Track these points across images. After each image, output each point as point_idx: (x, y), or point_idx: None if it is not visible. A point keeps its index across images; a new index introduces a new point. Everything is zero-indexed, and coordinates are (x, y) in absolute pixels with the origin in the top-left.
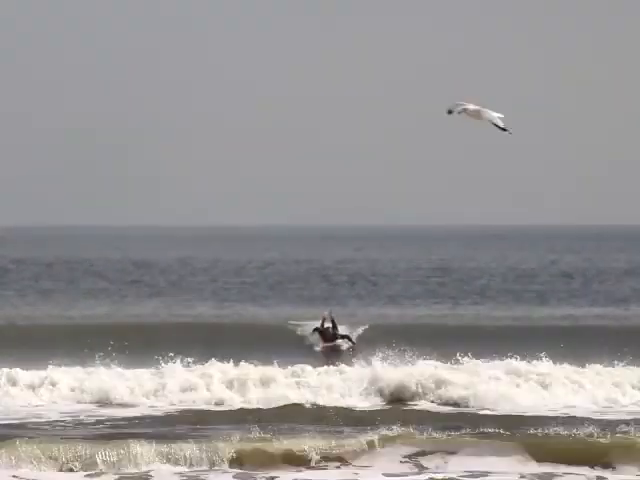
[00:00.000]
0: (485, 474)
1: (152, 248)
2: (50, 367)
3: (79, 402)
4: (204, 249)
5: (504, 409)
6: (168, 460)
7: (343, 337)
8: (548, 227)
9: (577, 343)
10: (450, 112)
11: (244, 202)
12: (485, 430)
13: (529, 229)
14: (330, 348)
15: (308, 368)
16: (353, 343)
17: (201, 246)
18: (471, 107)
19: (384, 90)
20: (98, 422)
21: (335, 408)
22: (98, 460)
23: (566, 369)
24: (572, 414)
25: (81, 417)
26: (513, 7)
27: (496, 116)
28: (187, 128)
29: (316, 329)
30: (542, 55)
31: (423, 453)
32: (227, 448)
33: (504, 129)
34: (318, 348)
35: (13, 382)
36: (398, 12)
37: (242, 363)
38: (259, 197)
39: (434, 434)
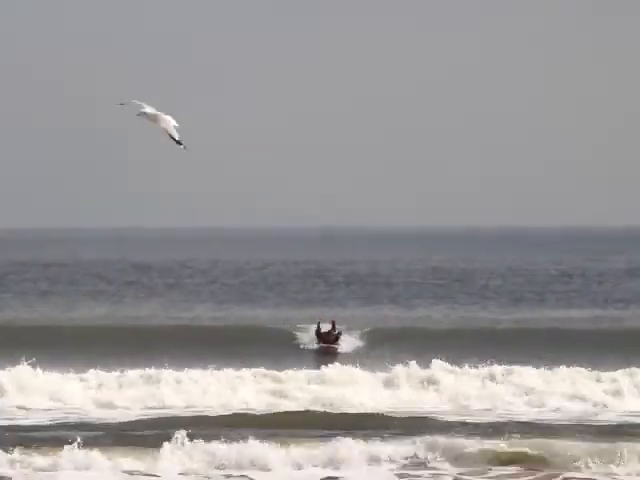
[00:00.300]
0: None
1: (152, 249)
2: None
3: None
4: (203, 250)
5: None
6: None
7: (340, 334)
8: (548, 228)
9: (570, 346)
10: (122, 104)
11: (244, 203)
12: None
13: (529, 230)
14: (329, 349)
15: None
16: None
17: (201, 247)
18: (150, 111)
19: (385, 90)
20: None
21: (331, 413)
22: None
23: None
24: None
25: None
26: (512, 7)
27: (173, 125)
28: (187, 128)
29: (318, 335)
30: (542, 55)
31: (416, 455)
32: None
33: (179, 142)
34: (316, 346)
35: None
36: (399, 13)
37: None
38: (259, 197)
39: (433, 439)
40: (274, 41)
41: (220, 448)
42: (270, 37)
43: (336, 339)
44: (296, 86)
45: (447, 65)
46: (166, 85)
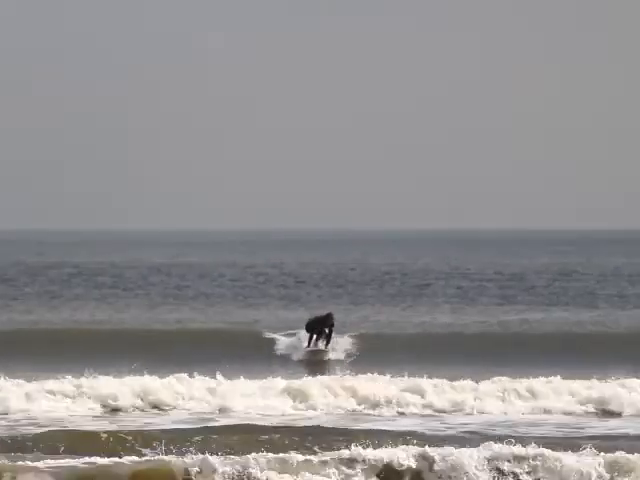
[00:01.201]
0: None
1: (145, 251)
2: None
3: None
4: (200, 252)
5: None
6: None
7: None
8: (548, 231)
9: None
10: None
11: (245, 204)
12: None
13: (529, 234)
14: (316, 352)
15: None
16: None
17: (198, 249)
18: None
19: (383, 106)
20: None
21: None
22: None
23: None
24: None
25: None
26: (511, 9)
27: None
28: (188, 132)
29: (312, 325)
30: (544, 55)
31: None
32: None
33: None
34: (302, 352)
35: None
36: (395, 35)
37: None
38: (258, 198)
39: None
40: (274, 55)
41: None
42: (270, 51)
43: (330, 327)
44: (296, 101)
45: (447, 80)
46: (166, 86)
